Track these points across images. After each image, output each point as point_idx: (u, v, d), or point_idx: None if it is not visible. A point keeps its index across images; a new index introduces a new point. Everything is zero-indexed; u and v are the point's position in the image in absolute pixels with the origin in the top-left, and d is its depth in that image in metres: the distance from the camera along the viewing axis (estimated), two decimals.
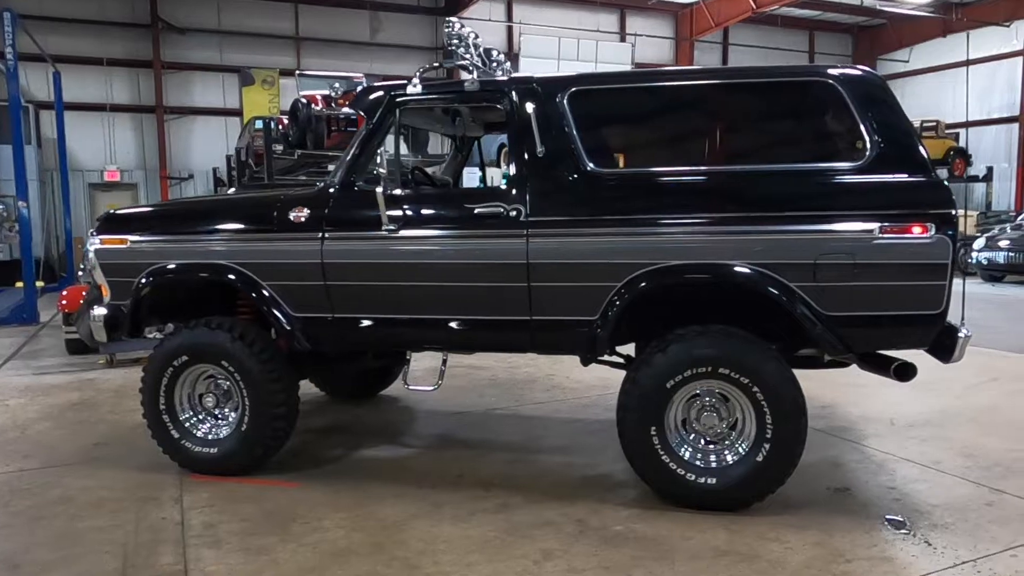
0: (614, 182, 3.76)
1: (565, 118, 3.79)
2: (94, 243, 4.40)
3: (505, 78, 4.03)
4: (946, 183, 3.46)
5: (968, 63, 23.81)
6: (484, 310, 3.90)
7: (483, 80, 3.94)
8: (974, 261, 14.48)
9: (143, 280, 4.26)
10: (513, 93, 3.87)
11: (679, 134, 3.97)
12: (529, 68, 21.59)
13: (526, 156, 3.81)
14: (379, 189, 3.82)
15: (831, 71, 3.59)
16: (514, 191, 3.81)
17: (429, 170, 5.07)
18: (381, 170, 3.80)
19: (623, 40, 23.20)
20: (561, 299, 3.78)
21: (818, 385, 6.08)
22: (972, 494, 3.93)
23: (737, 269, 3.53)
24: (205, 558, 3.31)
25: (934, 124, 21.75)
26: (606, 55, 22.31)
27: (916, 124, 21.52)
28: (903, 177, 3.47)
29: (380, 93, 4.07)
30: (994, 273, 14.20)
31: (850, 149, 3.52)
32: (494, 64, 4.68)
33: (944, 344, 3.57)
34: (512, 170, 3.86)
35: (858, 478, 4.20)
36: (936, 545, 3.34)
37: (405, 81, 4.03)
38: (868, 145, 3.49)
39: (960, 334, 3.52)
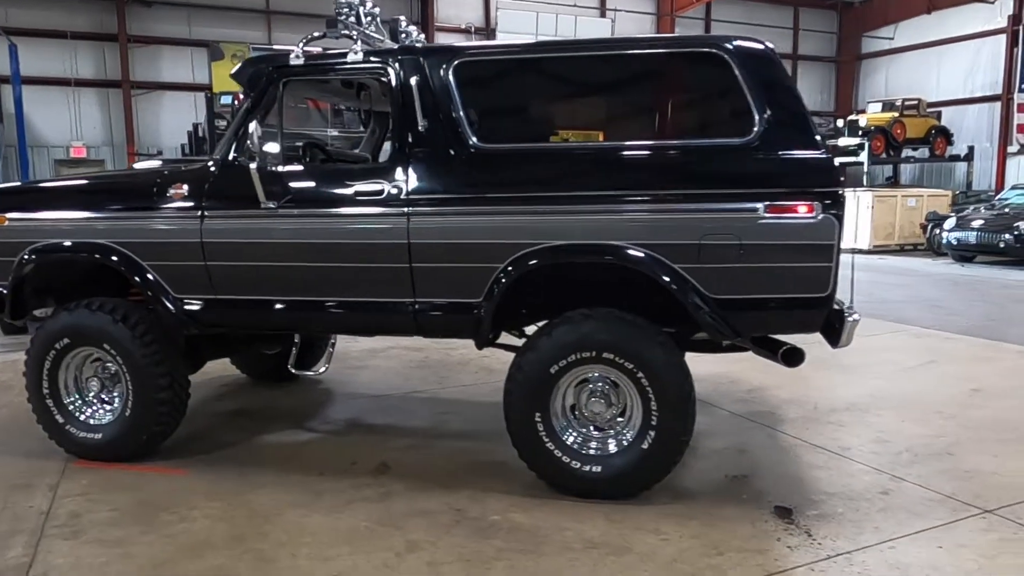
0: (497, 158, 3.59)
1: (449, 91, 3.61)
2: None
3: (390, 48, 3.84)
4: (832, 159, 3.30)
5: (951, 41, 23.52)
6: (366, 292, 3.75)
7: (367, 51, 3.76)
8: (944, 241, 14.34)
9: (22, 259, 4.09)
10: (396, 64, 3.69)
11: (567, 108, 3.80)
12: None
13: (408, 131, 3.64)
14: (253, 166, 3.64)
15: (722, 42, 3.41)
16: (395, 168, 3.64)
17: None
18: (251, 144, 3.61)
19: (603, 16, 22.84)
20: (444, 280, 3.63)
21: (747, 368, 5.98)
22: (871, 482, 3.81)
23: (619, 250, 3.38)
24: (56, 550, 3.18)
25: (916, 102, 21.54)
26: (585, 30, 21.97)
27: (897, 102, 21.33)
28: (790, 154, 3.31)
29: (262, 65, 3.89)
30: (964, 253, 14.07)
31: (739, 125, 3.35)
32: (403, 35, 4.50)
33: (833, 328, 3.43)
34: (394, 146, 3.68)
35: (760, 465, 4.08)
36: (817, 536, 3.23)
37: (287, 52, 3.85)
38: (756, 121, 3.32)
39: (848, 318, 3.37)
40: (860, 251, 15.80)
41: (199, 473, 4.00)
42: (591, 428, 3.62)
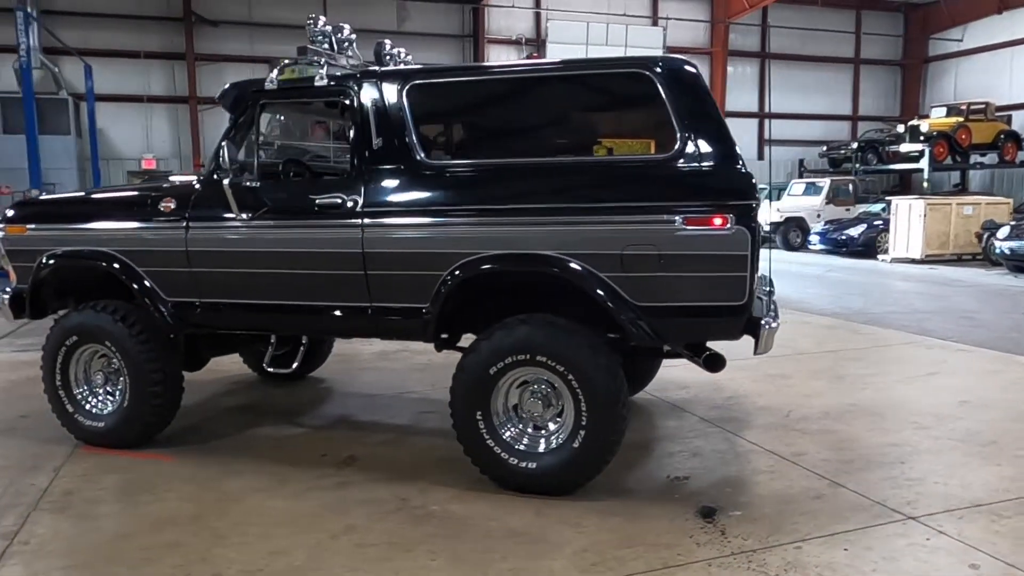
0: (442, 173, 3.87)
1: (402, 111, 3.91)
2: (1, 231, 4.76)
3: (351, 73, 4.16)
4: (748, 173, 3.44)
5: None
6: (328, 297, 4.07)
7: (331, 75, 4.09)
8: (998, 251, 13.82)
9: (40, 264, 4.60)
10: (357, 87, 4.01)
11: (507, 126, 4.04)
12: (557, 55, 21.56)
13: (364, 148, 3.95)
14: (226, 181, 4.03)
15: (649, 63, 3.60)
16: (352, 182, 3.96)
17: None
18: (222, 162, 3.99)
19: (655, 24, 22.84)
20: (395, 286, 3.92)
21: (735, 377, 6.10)
22: (808, 487, 3.90)
23: (548, 260, 3.60)
24: (42, 522, 3.61)
25: (983, 106, 20.76)
26: (636, 39, 22.04)
27: (963, 106, 20.58)
28: (708, 169, 3.47)
29: (241, 90, 4.28)
30: (1019, 263, 13.52)
31: (662, 140, 3.53)
32: (387, 57, 4.83)
33: (754, 335, 3.56)
34: (352, 162, 4.01)
35: (706, 468, 4.21)
36: (729, 535, 3.36)
37: (263, 79, 4.23)
38: (678, 138, 3.50)
39: (765, 326, 3.50)
40: (911, 261, 15.38)
41: (186, 460, 4.41)
42: (529, 427, 3.85)
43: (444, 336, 4.11)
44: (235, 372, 6.23)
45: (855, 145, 22.47)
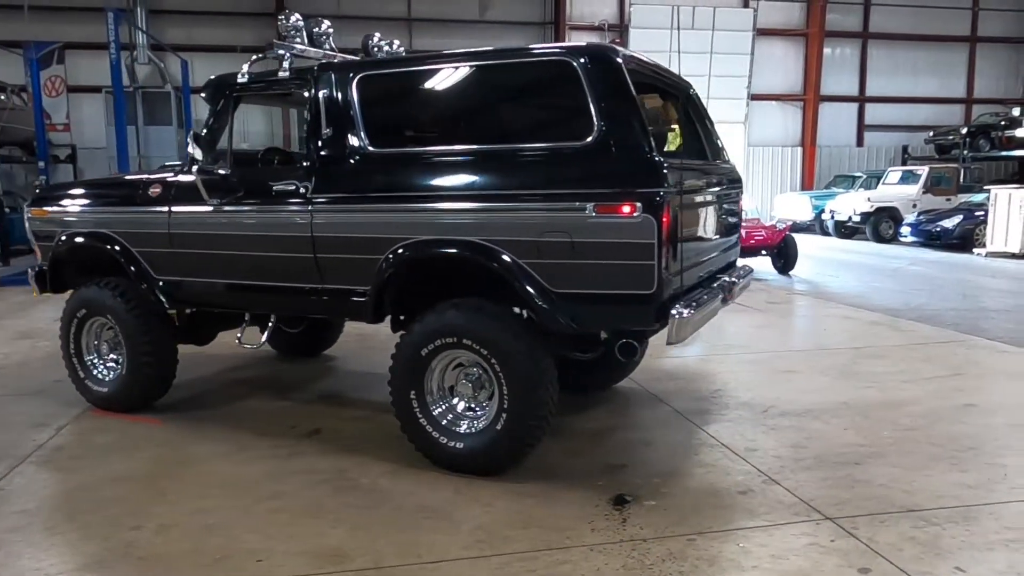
0: (382, 161, 4.01)
1: (351, 101, 4.08)
2: (28, 213, 5.31)
3: (310, 66, 4.36)
4: (658, 162, 3.38)
5: None
6: (286, 278, 4.31)
7: (293, 68, 4.32)
8: None
9: (57, 243, 5.10)
10: (312, 79, 4.22)
11: (441, 115, 4.12)
12: (640, 39, 21.19)
13: (317, 137, 4.15)
14: (195, 168, 4.34)
15: (572, 50, 3.61)
16: (305, 170, 4.18)
17: None
18: (192, 150, 4.30)
19: (746, 6, 22.01)
20: (341, 269, 4.12)
21: (734, 368, 5.98)
22: (741, 483, 3.81)
23: (470, 245, 3.68)
24: (24, 473, 4.05)
25: None
26: (725, 22, 21.30)
27: None
28: (619, 157, 3.44)
29: (217, 83, 4.58)
30: None
31: (579, 129, 3.53)
32: (375, 49, 5.03)
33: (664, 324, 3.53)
34: (307, 150, 4.22)
35: (649, 458, 4.18)
36: (630, 524, 3.36)
37: (237, 72, 4.51)
38: (595, 125, 3.49)
39: (676, 315, 3.44)
40: (1009, 255, 14.23)
41: (171, 425, 4.79)
42: (460, 408, 3.96)
43: (402, 318, 4.26)
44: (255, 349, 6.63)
45: (965, 130, 20.88)
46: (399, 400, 3.99)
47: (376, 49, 5.03)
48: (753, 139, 22.55)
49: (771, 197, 22.29)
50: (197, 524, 3.40)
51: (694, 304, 3.59)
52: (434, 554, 3.11)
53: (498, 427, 3.77)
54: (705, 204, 4.06)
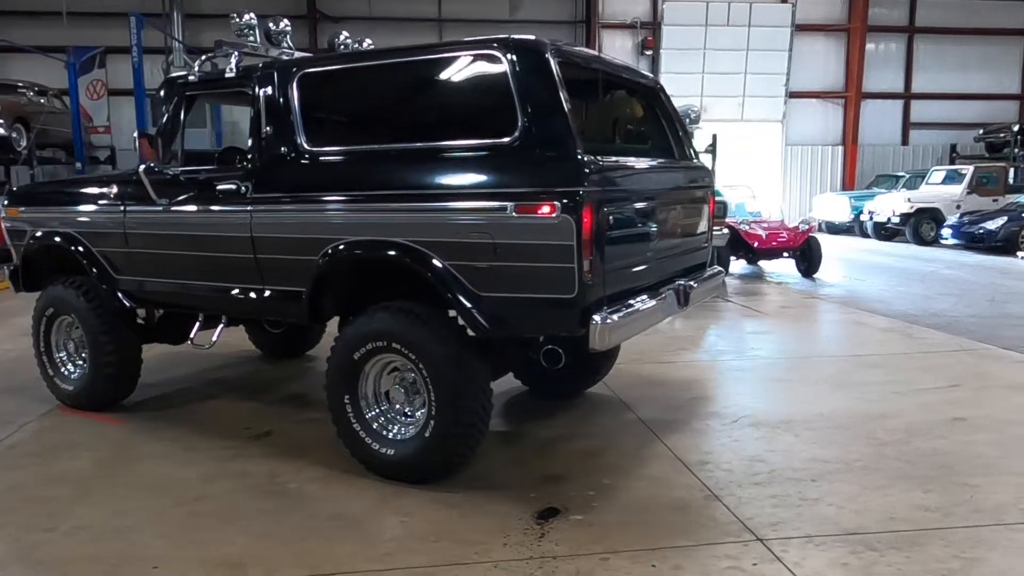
0: (315, 160, 3.93)
1: (290, 100, 4.01)
2: (2, 212, 5.39)
3: (256, 64, 4.30)
4: (579, 161, 3.21)
5: None
6: (230, 279, 4.26)
7: (239, 66, 4.27)
8: None
9: (28, 242, 5.16)
10: (256, 77, 4.16)
11: (373, 112, 4.01)
12: (673, 37, 20.79)
13: (258, 136, 4.10)
14: (141, 168, 4.33)
15: (500, 43, 3.46)
16: (247, 169, 4.13)
17: None
18: (135, 149, 4.28)
19: (784, 1, 21.38)
20: (279, 270, 4.05)
21: (721, 376, 5.75)
22: (680, 499, 3.61)
23: (394, 246, 3.57)
24: None
25: None
26: (761, 18, 20.76)
27: None
28: (540, 155, 3.29)
29: (168, 83, 4.56)
30: None
31: (504, 125, 3.38)
32: (341, 47, 4.96)
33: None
34: (249, 150, 4.16)
35: (590, 469, 3.98)
36: (548, 539, 3.20)
37: (186, 72, 4.49)
38: (519, 121, 3.34)
39: (595, 322, 3.26)
40: None
41: (130, 425, 4.80)
42: (392, 414, 3.85)
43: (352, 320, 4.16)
44: (238, 348, 6.64)
45: (1016, 127, 19.92)
46: (334, 404, 3.91)
47: (343, 48, 4.95)
48: (791, 138, 21.93)
49: (809, 197, 21.65)
50: (110, 527, 3.36)
51: (623, 310, 3.41)
52: (332, 565, 3.01)
53: (427, 434, 3.65)
54: (651, 205, 3.86)
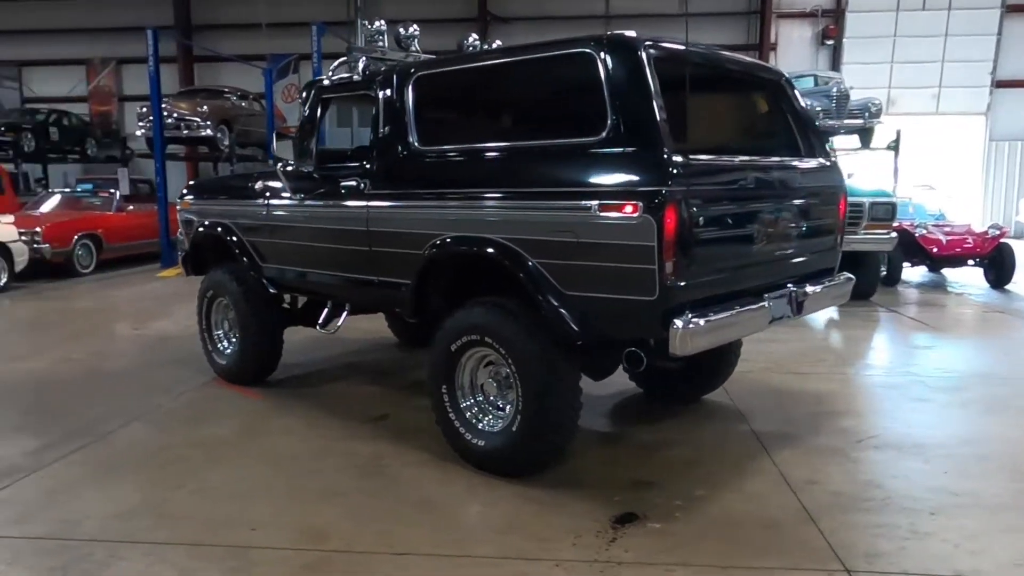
0: (425, 159, 4.10)
1: (405, 101, 4.22)
2: (178, 204, 6.10)
3: (379, 68, 4.54)
4: (665, 160, 3.10)
5: None
6: (351, 269, 4.56)
7: (364, 71, 4.54)
8: None
9: (197, 230, 5.82)
10: (379, 80, 4.41)
11: (472, 113, 4.10)
12: (858, 25, 19.27)
13: (377, 136, 4.35)
14: (279, 166, 4.73)
15: (594, 42, 3.43)
16: (367, 167, 4.39)
17: None
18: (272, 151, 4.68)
19: None
20: (390, 262, 4.27)
21: (855, 391, 5.37)
22: (770, 517, 3.41)
23: (488, 243, 3.65)
24: (132, 428, 4.70)
25: None
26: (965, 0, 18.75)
27: None
28: (628, 153, 3.22)
29: (308, 88, 4.94)
30: None
31: (597, 123, 3.35)
32: (469, 50, 5.16)
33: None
34: (369, 148, 4.42)
35: (684, 478, 3.85)
36: (618, 545, 3.15)
37: (324, 78, 4.85)
38: (608, 119, 3.30)
39: (677, 326, 3.14)
40: None
41: (268, 400, 5.27)
42: (486, 405, 3.94)
43: None
44: (378, 335, 7.07)
45: None
46: (433, 393, 4.07)
47: (471, 50, 5.12)
48: (997, 132, 19.62)
49: (1016, 199, 19.28)
50: (227, 491, 3.73)
51: (710, 315, 3.27)
52: (405, 546, 3.16)
53: (513, 428, 3.71)
54: (755, 206, 3.65)
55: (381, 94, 4.34)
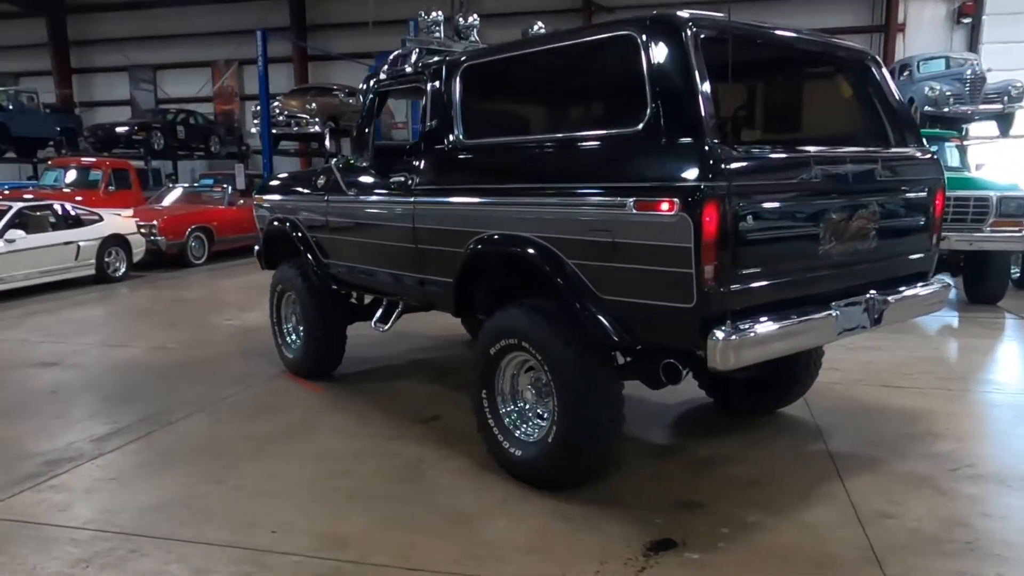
0: (467, 153, 3.92)
1: (453, 93, 4.06)
2: (253, 200, 6.23)
3: (430, 59, 4.39)
4: (707, 152, 2.77)
5: None
6: (401, 266, 4.46)
7: (416, 64, 4.42)
8: None
9: (270, 225, 5.91)
10: (429, 73, 4.28)
11: (513, 104, 3.86)
12: (995, 30, 17.50)
13: (424, 129, 4.21)
14: (332, 162, 4.69)
15: (636, 23, 3.14)
16: (413, 162, 4.27)
17: None
18: (328, 146, 4.64)
19: None
20: (435, 260, 4.14)
21: (956, 409, 4.85)
22: (827, 554, 3.02)
23: (525, 242, 3.44)
24: (195, 418, 4.81)
25: None
26: None
27: None
28: (667, 145, 2.91)
29: (366, 82, 4.88)
30: None
31: (635, 113, 3.05)
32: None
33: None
34: (417, 143, 4.30)
35: (737, 502, 3.50)
36: (648, 573, 2.87)
37: (380, 72, 4.77)
38: (648, 108, 3.01)
39: (716, 337, 2.81)
40: None
41: (327, 395, 5.28)
42: (526, 413, 3.74)
43: None
44: (452, 332, 6.98)
45: None
46: (473, 398, 3.91)
47: None
48: None
49: None
50: (261, 488, 3.72)
51: (757, 325, 2.91)
52: (421, 561, 3.01)
53: (549, 439, 3.49)
54: (821, 202, 3.24)
55: (430, 86, 4.20)
